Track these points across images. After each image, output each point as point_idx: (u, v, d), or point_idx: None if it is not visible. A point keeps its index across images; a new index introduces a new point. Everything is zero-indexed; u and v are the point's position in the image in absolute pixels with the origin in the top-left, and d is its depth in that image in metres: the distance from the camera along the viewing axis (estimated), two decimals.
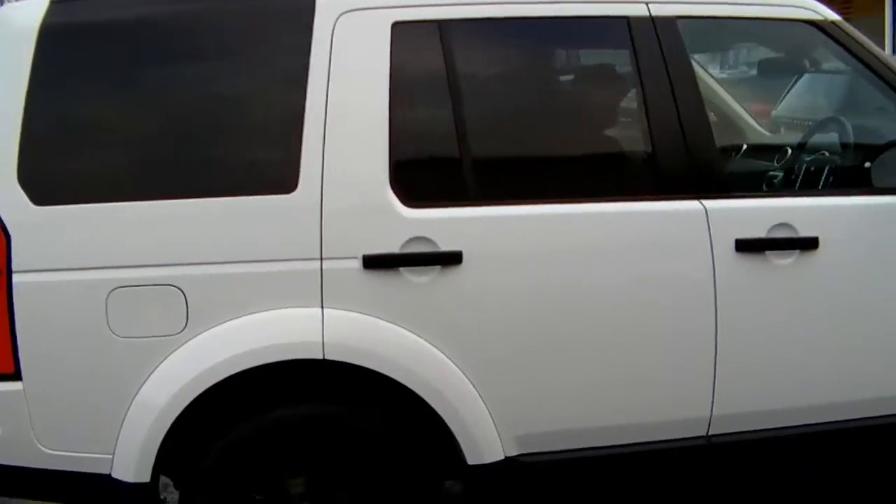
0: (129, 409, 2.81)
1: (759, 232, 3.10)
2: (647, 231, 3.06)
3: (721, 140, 3.47)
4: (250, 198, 2.84)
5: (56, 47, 2.83)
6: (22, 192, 2.76)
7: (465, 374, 2.95)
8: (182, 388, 2.82)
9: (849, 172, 3.58)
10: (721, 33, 3.64)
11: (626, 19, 3.08)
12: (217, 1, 2.99)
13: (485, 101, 3.08)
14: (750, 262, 3.09)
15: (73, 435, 2.85)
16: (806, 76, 9.79)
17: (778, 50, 4.09)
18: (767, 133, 4.02)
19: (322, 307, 2.86)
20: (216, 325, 2.83)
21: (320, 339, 2.84)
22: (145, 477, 2.83)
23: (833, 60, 3.38)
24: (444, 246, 2.90)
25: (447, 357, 2.93)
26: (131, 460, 2.82)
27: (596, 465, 3.15)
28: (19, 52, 2.81)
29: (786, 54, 3.96)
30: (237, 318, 2.84)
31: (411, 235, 2.89)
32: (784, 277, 3.13)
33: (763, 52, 4.15)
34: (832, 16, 3.26)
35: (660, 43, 3.09)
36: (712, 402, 3.13)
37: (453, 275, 2.92)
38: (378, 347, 2.88)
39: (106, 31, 2.91)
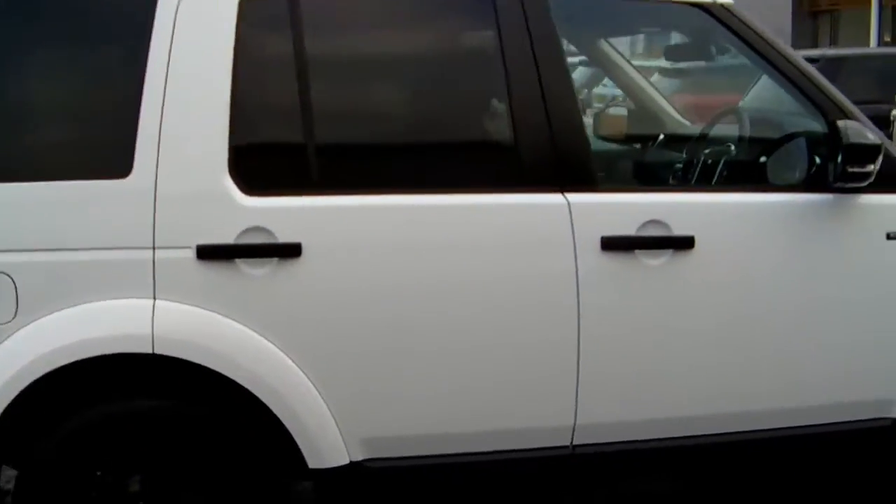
0: None
1: (628, 229, 2.93)
2: (504, 226, 2.90)
3: (603, 129, 3.31)
4: (83, 182, 2.74)
5: None
6: None
7: (304, 372, 2.81)
8: (9, 379, 2.71)
9: (744, 168, 3.39)
10: (612, 17, 3.46)
11: None
12: None
13: (333, 84, 2.93)
14: (617, 262, 2.93)
15: None
16: None
17: (678, 35, 3.91)
18: (687, 124, 3.82)
19: (154, 298, 2.75)
20: (47, 315, 2.73)
21: (150, 333, 2.72)
22: None
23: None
24: (283, 237, 2.77)
25: (285, 354, 2.79)
26: None
27: (453, 472, 2.99)
28: None
29: (688, 40, 3.77)
30: (69, 307, 2.73)
31: (248, 225, 2.76)
32: (655, 279, 2.96)
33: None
34: None
35: (526, 21, 2.93)
36: (576, 411, 2.97)
37: (292, 268, 2.78)
38: (210, 342, 2.75)
39: None
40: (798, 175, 3.05)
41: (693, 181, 3.35)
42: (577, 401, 2.96)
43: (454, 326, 2.88)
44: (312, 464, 2.85)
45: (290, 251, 2.77)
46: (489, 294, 2.88)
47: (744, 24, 3.06)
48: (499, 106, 2.96)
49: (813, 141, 3.05)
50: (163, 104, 2.75)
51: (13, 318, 2.70)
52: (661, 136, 3.61)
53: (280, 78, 2.87)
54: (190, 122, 2.76)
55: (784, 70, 3.09)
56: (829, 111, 3.07)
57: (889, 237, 3.11)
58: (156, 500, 2.84)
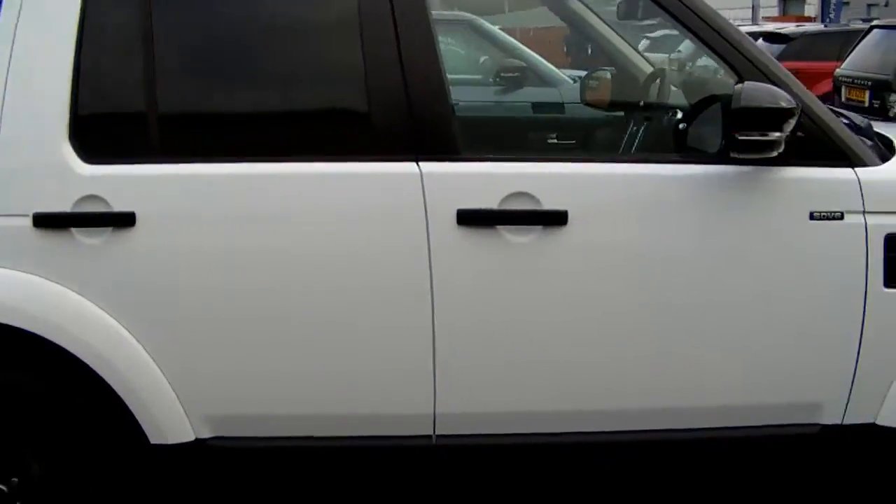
0: None
1: (489, 202, 2.64)
2: (352, 196, 2.68)
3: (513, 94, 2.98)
4: None
5: None
6: None
7: (142, 345, 2.71)
8: None
9: (645, 136, 3.00)
10: None
11: None
12: None
13: (174, 51, 2.76)
14: (476, 238, 2.65)
15: None
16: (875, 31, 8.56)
17: None
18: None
19: None
20: None
21: None
22: None
23: None
24: (117, 206, 2.67)
25: (122, 326, 2.71)
26: None
27: (308, 456, 2.83)
28: None
29: None
30: None
31: (84, 194, 2.68)
32: (520, 258, 2.66)
33: None
34: None
35: None
36: (434, 400, 2.73)
37: (126, 237, 2.68)
38: (42, 311, 2.70)
39: None
40: (710, 145, 2.65)
41: (573, 150, 2.98)
42: (435, 388, 2.72)
43: (298, 302, 2.70)
44: (154, 439, 2.76)
45: (124, 220, 2.67)
46: (334, 269, 2.68)
47: None
48: (352, 70, 2.71)
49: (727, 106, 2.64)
50: (7, 72, 2.69)
51: None
52: (542, 101, 3.24)
53: (121, 46, 2.74)
54: (32, 91, 2.70)
55: (691, 25, 2.68)
56: (743, 71, 2.65)
57: (813, 217, 2.67)
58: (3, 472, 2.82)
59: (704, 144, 2.67)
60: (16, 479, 2.81)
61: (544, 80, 6.39)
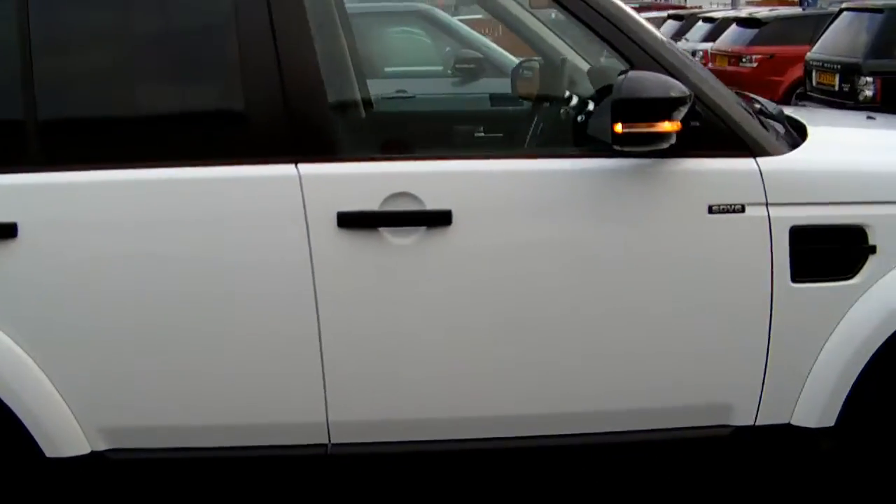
0: None
1: (370, 204, 2.54)
2: (231, 201, 2.58)
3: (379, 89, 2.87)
4: None
5: None
6: None
7: (30, 356, 2.66)
8: None
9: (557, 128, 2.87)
10: None
11: None
12: None
13: (53, 57, 2.66)
14: (357, 241, 2.55)
15: None
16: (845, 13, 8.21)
17: None
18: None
19: None
20: None
21: None
22: None
23: None
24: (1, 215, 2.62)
25: (7, 336, 2.66)
26: None
27: (208, 466, 2.76)
28: None
29: None
30: None
31: None
32: (404, 260, 2.56)
33: None
34: None
35: None
36: (326, 407, 2.64)
37: (8, 248, 2.61)
38: None
39: None
40: (604, 138, 2.52)
41: (457, 147, 2.86)
42: (326, 395, 2.63)
43: (180, 310, 2.61)
44: (49, 452, 2.71)
45: (5, 231, 2.61)
46: (216, 275, 2.59)
47: None
48: (230, 71, 2.62)
49: None
50: None
51: None
52: (427, 97, 3.11)
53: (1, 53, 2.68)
54: None
55: (575, 10, 2.55)
56: (634, 59, 2.52)
57: (712, 210, 2.53)
58: None
59: (599, 137, 2.55)
60: None
61: (503, 72, 6.19)
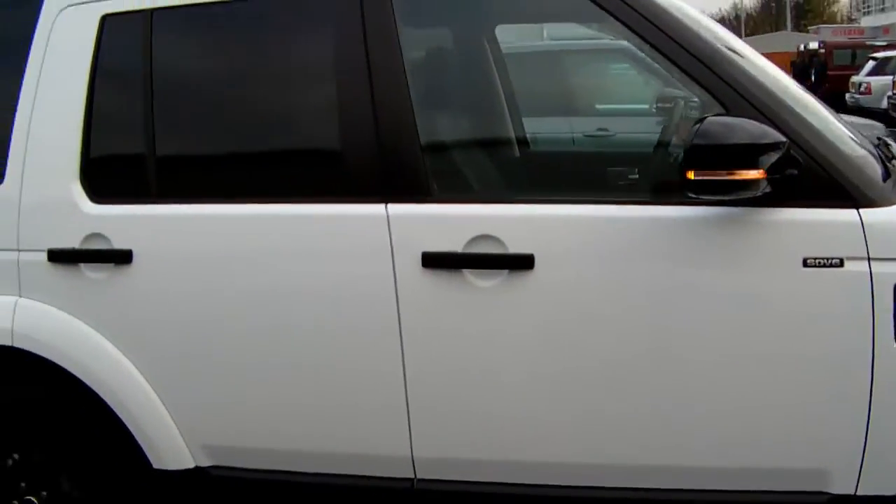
0: None
1: (454, 245, 2.56)
2: (325, 237, 2.69)
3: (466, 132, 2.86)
4: None
5: None
6: None
7: (142, 374, 2.86)
8: None
9: (624, 177, 2.77)
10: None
11: None
12: None
13: (173, 100, 2.88)
14: (441, 281, 2.58)
15: None
16: None
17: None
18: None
19: (19, 296, 2.95)
20: None
21: (10, 327, 2.93)
22: None
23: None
24: (117, 244, 2.83)
25: (123, 355, 2.86)
26: None
27: (300, 491, 2.86)
28: None
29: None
30: None
31: (90, 231, 2.86)
32: (485, 302, 2.56)
33: None
34: None
35: (364, 29, 2.67)
36: (411, 443, 2.69)
37: (125, 273, 2.83)
38: (57, 340, 2.90)
39: None
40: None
41: (540, 191, 2.81)
42: (410, 431, 2.68)
43: (275, 340, 2.75)
44: (156, 464, 2.90)
45: (122, 257, 2.82)
46: (307, 306, 2.71)
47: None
48: (328, 114, 2.73)
49: None
50: (30, 120, 2.93)
51: None
52: (510, 141, 3.03)
53: (127, 96, 2.89)
54: (49, 135, 2.92)
55: (668, 52, 2.47)
56: (728, 102, 2.42)
57: (807, 264, 2.39)
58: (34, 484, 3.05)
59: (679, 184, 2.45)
60: (45, 493, 3.05)
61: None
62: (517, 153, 2.95)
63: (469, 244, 2.55)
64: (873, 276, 2.36)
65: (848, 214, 2.38)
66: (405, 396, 2.66)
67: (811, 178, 2.38)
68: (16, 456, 3.06)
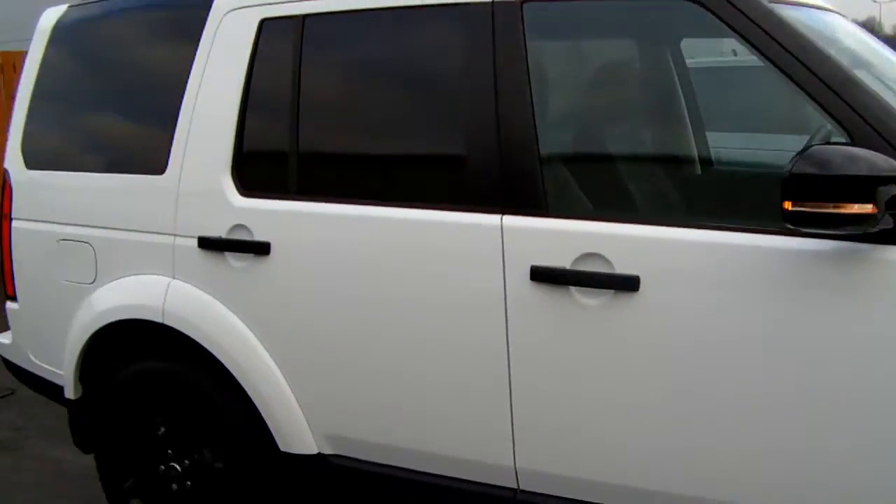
0: (65, 339, 3.50)
1: (562, 261, 2.53)
2: (445, 243, 2.72)
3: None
4: (135, 177, 3.28)
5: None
6: (21, 157, 3.62)
7: (274, 361, 3.02)
8: (83, 327, 3.41)
9: (739, 200, 2.59)
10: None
11: (469, 5, 2.72)
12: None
13: (320, 99, 2.99)
14: (548, 296, 2.56)
15: (44, 351, 3.64)
16: None
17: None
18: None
19: (172, 277, 3.19)
20: (112, 280, 3.36)
21: (161, 306, 3.18)
22: (76, 394, 3.51)
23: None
24: (258, 235, 2.99)
25: (258, 341, 3.03)
26: (68, 380, 3.52)
27: (408, 487, 2.93)
28: None
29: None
30: (126, 276, 3.32)
31: (235, 222, 3.04)
32: (590, 321, 2.51)
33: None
34: None
35: (494, 33, 2.67)
36: (514, 453, 2.69)
37: (264, 264, 2.99)
38: (201, 322, 3.11)
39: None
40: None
41: (650, 212, 2.66)
42: (514, 441, 2.68)
43: (394, 341, 2.82)
44: (283, 447, 3.06)
45: (261, 249, 2.98)
46: (422, 309, 2.76)
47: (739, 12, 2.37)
48: (453, 125, 2.76)
49: None
50: (192, 116, 3.16)
51: (94, 280, 3.38)
52: (626, 159, 2.85)
53: (277, 96, 3.04)
54: (208, 130, 3.14)
55: (792, 71, 2.32)
56: (854, 130, 2.24)
57: None
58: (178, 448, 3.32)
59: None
60: (187, 462, 3.28)
61: None
62: (637, 171, 2.86)
63: (577, 261, 2.51)
64: None
65: None
66: (510, 406, 2.66)
67: None
68: (163, 429, 3.33)
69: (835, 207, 2.10)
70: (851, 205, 2.09)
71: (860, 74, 2.36)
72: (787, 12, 2.46)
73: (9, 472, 4.36)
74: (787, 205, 2.13)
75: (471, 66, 2.71)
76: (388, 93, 2.95)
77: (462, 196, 2.72)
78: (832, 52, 2.35)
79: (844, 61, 2.35)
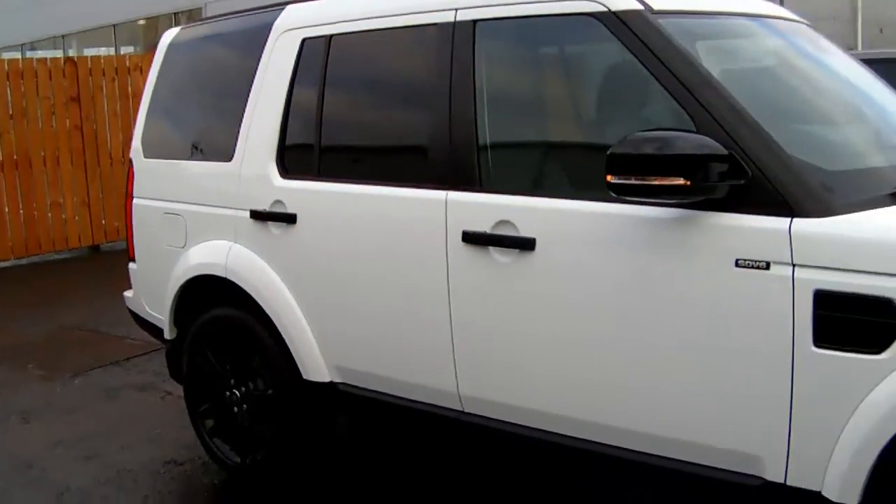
0: (165, 292, 4.46)
1: (483, 226, 3.19)
2: (408, 212, 3.44)
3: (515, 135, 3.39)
4: (213, 163, 4.20)
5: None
6: (140, 148, 4.64)
7: (299, 307, 3.83)
8: (175, 281, 4.40)
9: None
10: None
11: (437, 26, 3.43)
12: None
13: (335, 101, 3.78)
14: (475, 254, 3.22)
15: (154, 302, 4.63)
16: None
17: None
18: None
19: (234, 242, 4.07)
20: (196, 245, 4.31)
21: (224, 263, 4.06)
22: (172, 335, 4.47)
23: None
24: (290, 208, 3.83)
25: (289, 291, 3.85)
26: (166, 324, 4.48)
27: (391, 410, 3.65)
28: None
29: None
30: (204, 241, 4.25)
31: (276, 199, 3.88)
32: (503, 274, 3.16)
33: None
34: (620, 5, 3.00)
35: (452, 45, 3.37)
36: (456, 380, 3.36)
37: (292, 230, 3.83)
38: (250, 275, 3.98)
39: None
40: None
41: (547, 188, 3.22)
42: (456, 370, 3.35)
43: (375, 287, 3.58)
44: (305, 376, 3.86)
45: (290, 219, 3.81)
46: (395, 263, 3.50)
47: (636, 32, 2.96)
48: (422, 124, 3.46)
49: None
50: (252, 116, 4.04)
51: (185, 245, 4.33)
52: (538, 147, 3.36)
53: (308, 100, 3.87)
54: (261, 127, 4.01)
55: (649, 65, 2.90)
56: (693, 114, 2.79)
57: (738, 264, 2.67)
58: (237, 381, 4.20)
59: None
60: (244, 389, 4.15)
61: None
62: (545, 155, 3.45)
63: (495, 226, 3.16)
64: (795, 280, 2.57)
65: (779, 222, 2.60)
66: (451, 342, 3.34)
67: (757, 188, 2.65)
68: (228, 367, 4.21)
69: (641, 179, 2.65)
70: (662, 178, 2.64)
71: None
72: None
73: (141, 405, 5.42)
74: (609, 177, 2.70)
75: (433, 81, 3.42)
76: (378, 99, 3.72)
77: (423, 176, 3.42)
78: (698, 58, 2.89)
79: (705, 65, 2.88)
